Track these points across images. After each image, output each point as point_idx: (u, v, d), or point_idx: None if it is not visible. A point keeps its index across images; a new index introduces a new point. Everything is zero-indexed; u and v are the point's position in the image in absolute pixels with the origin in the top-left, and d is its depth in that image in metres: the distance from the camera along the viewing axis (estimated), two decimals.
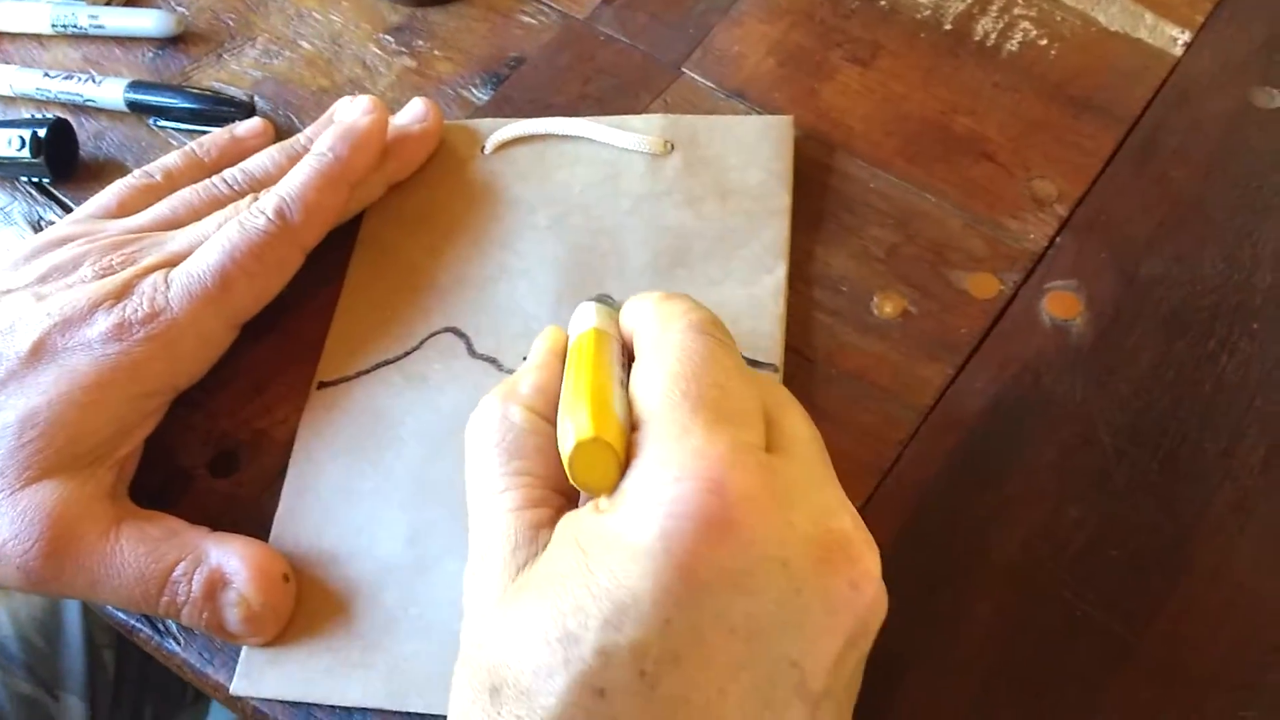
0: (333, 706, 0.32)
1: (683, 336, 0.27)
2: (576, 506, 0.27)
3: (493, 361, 0.37)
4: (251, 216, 0.36)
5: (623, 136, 0.41)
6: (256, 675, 0.32)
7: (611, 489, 0.25)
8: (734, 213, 0.39)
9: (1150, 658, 0.32)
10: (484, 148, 0.42)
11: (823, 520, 0.24)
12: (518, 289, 0.39)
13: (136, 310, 0.34)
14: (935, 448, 0.36)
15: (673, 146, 0.41)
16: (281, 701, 0.32)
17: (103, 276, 0.35)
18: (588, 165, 0.41)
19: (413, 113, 0.42)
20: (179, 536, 0.33)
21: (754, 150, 0.40)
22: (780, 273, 0.38)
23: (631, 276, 0.38)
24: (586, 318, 0.31)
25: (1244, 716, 0.31)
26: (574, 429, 0.25)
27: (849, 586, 0.24)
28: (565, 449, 0.26)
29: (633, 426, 0.26)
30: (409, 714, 0.31)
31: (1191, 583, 0.33)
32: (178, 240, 0.36)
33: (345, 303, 0.39)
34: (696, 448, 0.24)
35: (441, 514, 0.34)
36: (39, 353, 0.33)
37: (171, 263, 0.35)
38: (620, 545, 0.23)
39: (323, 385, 0.37)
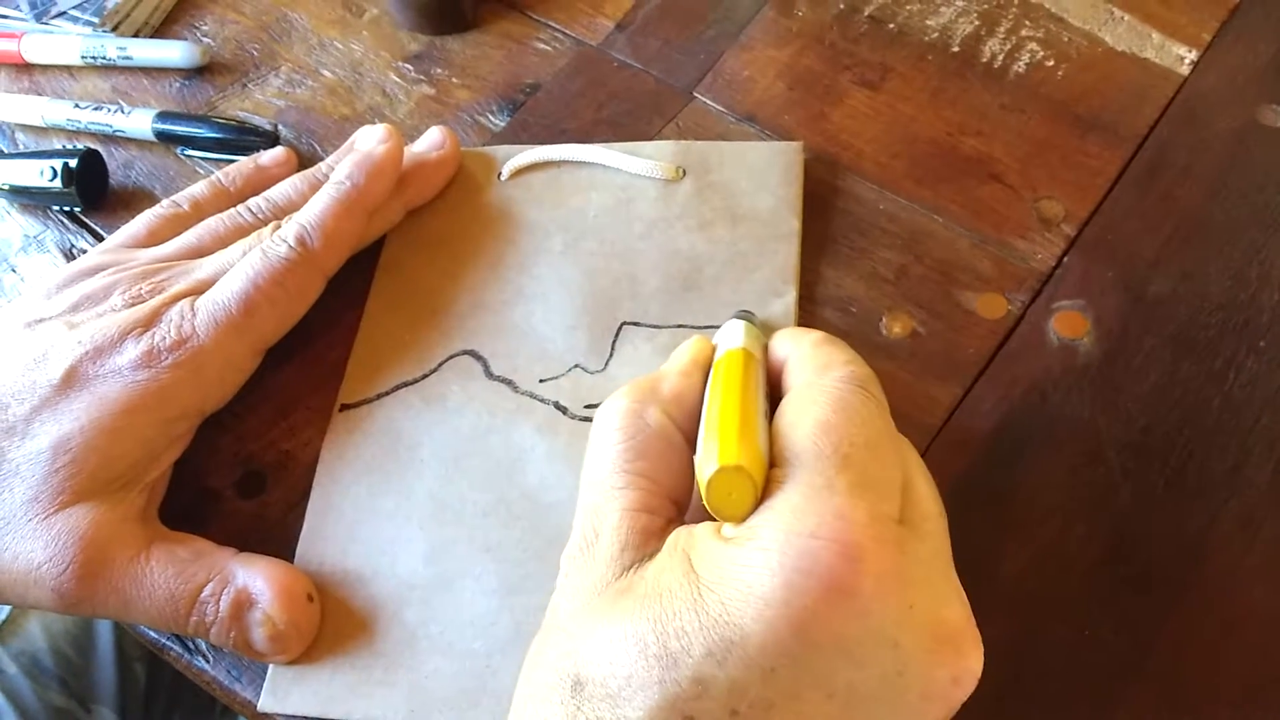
0: None
1: (841, 387, 0.27)
2: (685, 519, 0.28)
3: (509, 383, 0.38)
4: (274, 245, 0.37)
5: (635, 162, 0.42)
6: (283, 692, 0.33)
7: (743, 519, 0.25)
8: (744, 237, 0.40)
9: (1158, 674, 0.33)
10: (500, 174, 0.43)
11: (940, 608, 0.24)
12: (534, 312, 0.40)
13: (164, 338, 0.35)
14: (944, 467, 0.36)
15: (684, 172, 0.42)
16: (306, 718, 0.33)
17: (132, 305, 0.36)
18: (601, 191, 0.42)
19: (430, 141, 0.43)
20: (207, 558, 0.34)
21: (764, 176, 0.41)
22: (790, 297, 0.39)
23: (644, 299, 0.39)
24: (734, 335, 0.31)
25: None
26: (718, 452, 0.25)
27: (950, 680, 0.24)
28: (705, 470, 0.25)
29: (771, 462, 0.26)
30: None
31: (1199, 599, 0.34)
32: (204, 268, 0.38)
33: (366, 327, 0.40)
34: (838, 509, 0.24)
35: (460, 533, 0.35)
36: (71, 380, 0.34)
37: (198, 290, 0.37)
38: (739, 581, 0.23)
39: (345, 408, 0.38)
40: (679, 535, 0.26)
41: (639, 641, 0.23)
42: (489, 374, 0.39)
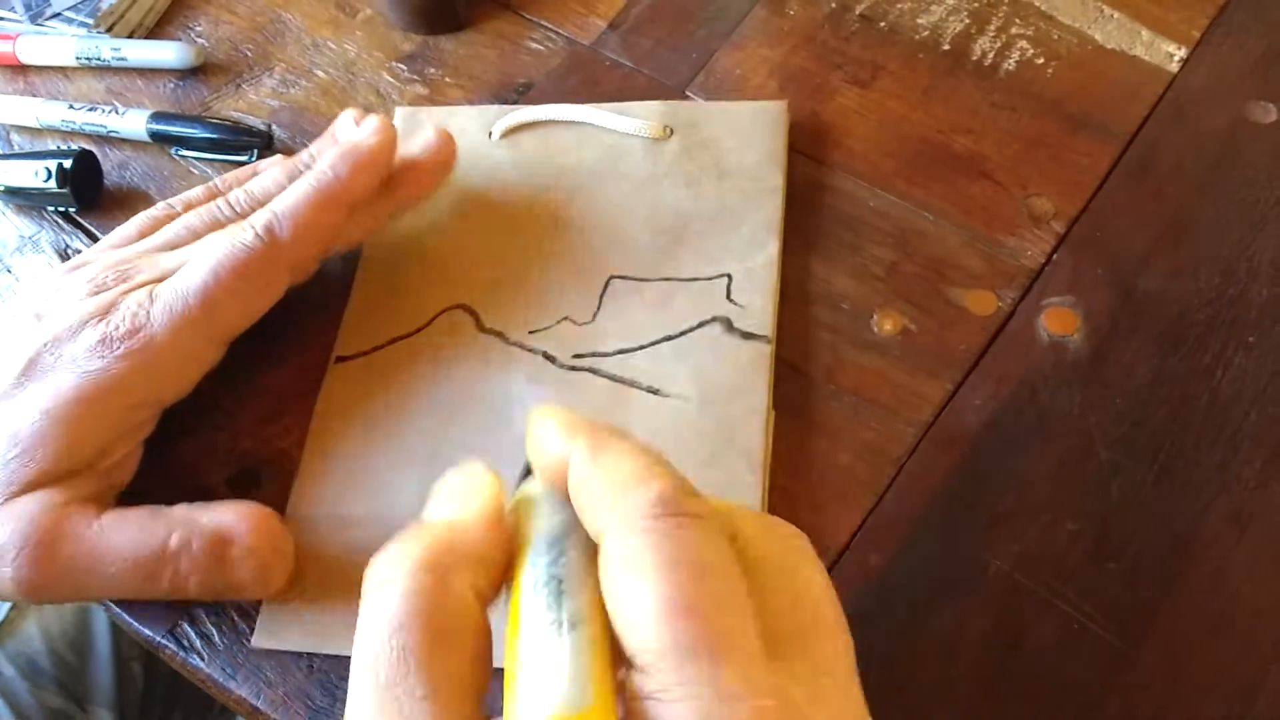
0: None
1: (660, 532, 0.21)
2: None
3: (499, 335, 0.39)
4: (240, 232, 0.36)
5: (624, 122, 0.43)
6: (275, 628, 0.34)
7: None
8: (730, 192, 0.41)
9: (1147, 668, 0.33)
10: (491, 134, 0.44)
11: None
12: (524, 269, 0.41)
13: (118, 327, 0.34)
14: (934, 463, 0.36)
15: (671, 131, 0.43)
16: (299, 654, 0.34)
17: (95, 294, 0.36)
18: (590, 149, 0.43)
19: (425, 142, 0.41)
20: (163, 515, 0.33)
21: (749, 133, 0.42)
22: (773, 248, 0.40)
23: (632, 254, 0.40)
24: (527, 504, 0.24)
25: None
26: (565, 697, 0.19)
27: None
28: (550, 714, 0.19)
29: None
30: None
31: (1187, 594, 0.34)
32: (172, 259, 0.37)
33: (360, 283, 0.41)
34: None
35: None
36: (29, 370, 0.34)
37: (161, 280, 0.36)
38: None
39: (340, 360, 0.39)
40: None
41: None
42: (480, 326, 0.39)
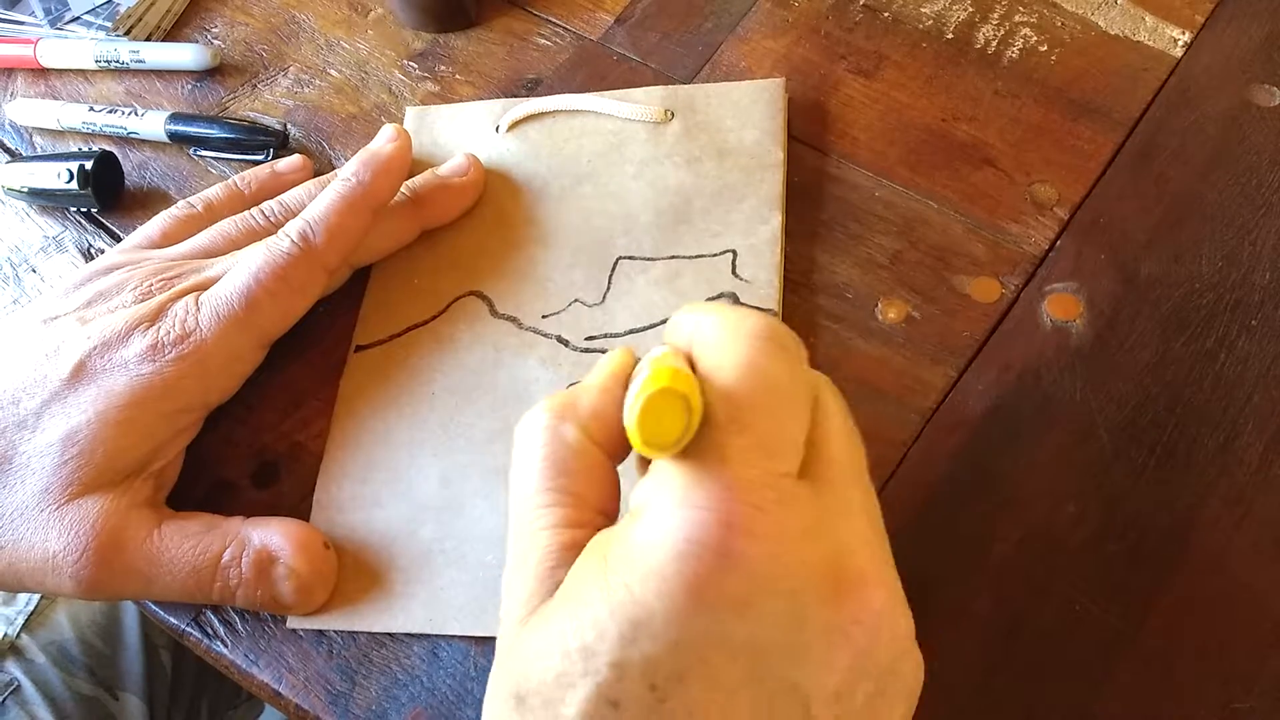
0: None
1: (750, 345, 0.26)
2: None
3: (513, 320, 0.40)
4: (276, 240, 0.38)
5: (625, 107, 0.44)
6: None
7: (677, 444, 0.24)
8: (731, 170, 0.42)
9: (1147, 650, 0.33)
10: (498, 127, 0.45)
11: (839, 555, 0.25)
12: (535, 255, 0.42)
13: (169, 332, 0.36)
14: (938, 449, 0.37)
15: (672, 114, 0.44)
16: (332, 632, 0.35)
17: (141, 301, 0.37)
18: (594, 136, 0.44)
19: (455, 166, 0.43)
20: (219, 527, 0.35)
21: (748, 111, 0.43)
22: (776, 222, 0.40)
23: (638, 235, 0.41)
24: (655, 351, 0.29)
25: (1237, 708, 0.32)
26: (640, 388, 0.24)
27: (851, 622, 0.24)
28: (631, 410, 0.24)
29: None
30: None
31: (1188, 576, 0.34)
32: (214, 267, 0.38)
33: (378, 275, 0.42)
34: (727, 481, 0.24)
35: (471, 459, 0.37)
36: (80, 374, 0.35)
37: (205, 287, 0.37)
38: (639, 561, 0.24)
39: (360, 349, 0.41)
40: (598, 537, 0.26)
41: (562, 643, 0.24)
42: (494, 313, 0.41)
